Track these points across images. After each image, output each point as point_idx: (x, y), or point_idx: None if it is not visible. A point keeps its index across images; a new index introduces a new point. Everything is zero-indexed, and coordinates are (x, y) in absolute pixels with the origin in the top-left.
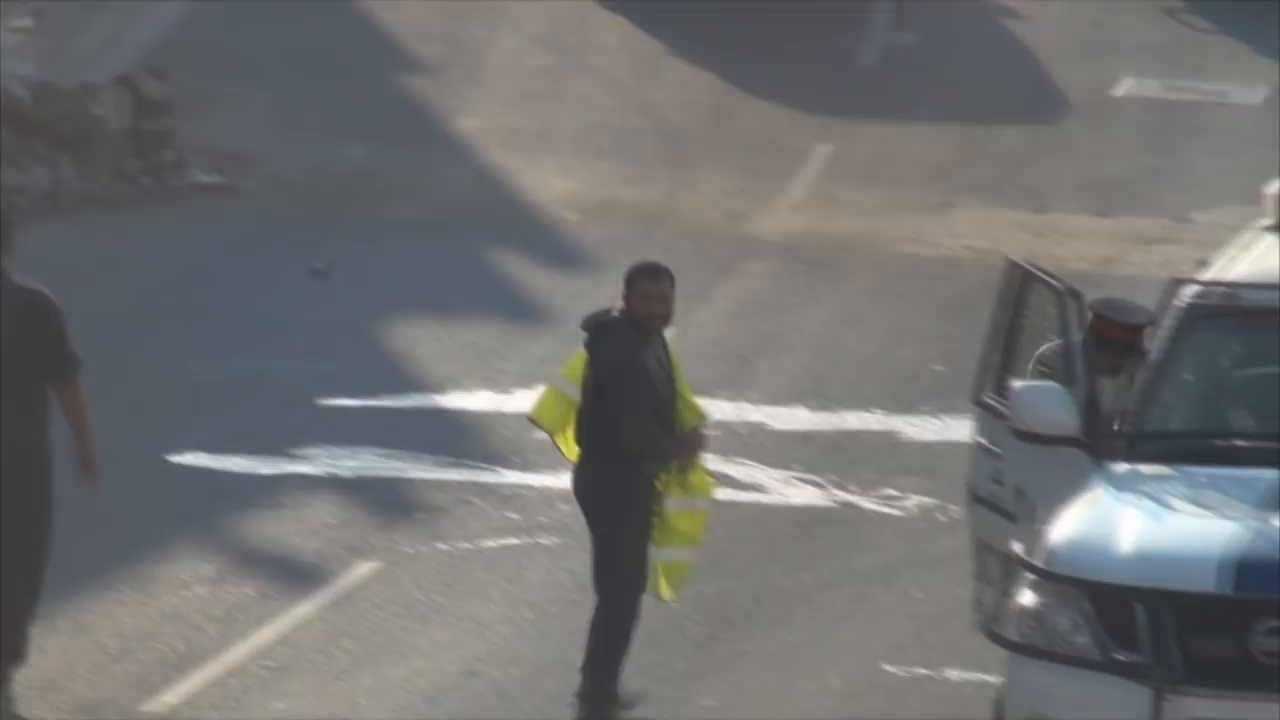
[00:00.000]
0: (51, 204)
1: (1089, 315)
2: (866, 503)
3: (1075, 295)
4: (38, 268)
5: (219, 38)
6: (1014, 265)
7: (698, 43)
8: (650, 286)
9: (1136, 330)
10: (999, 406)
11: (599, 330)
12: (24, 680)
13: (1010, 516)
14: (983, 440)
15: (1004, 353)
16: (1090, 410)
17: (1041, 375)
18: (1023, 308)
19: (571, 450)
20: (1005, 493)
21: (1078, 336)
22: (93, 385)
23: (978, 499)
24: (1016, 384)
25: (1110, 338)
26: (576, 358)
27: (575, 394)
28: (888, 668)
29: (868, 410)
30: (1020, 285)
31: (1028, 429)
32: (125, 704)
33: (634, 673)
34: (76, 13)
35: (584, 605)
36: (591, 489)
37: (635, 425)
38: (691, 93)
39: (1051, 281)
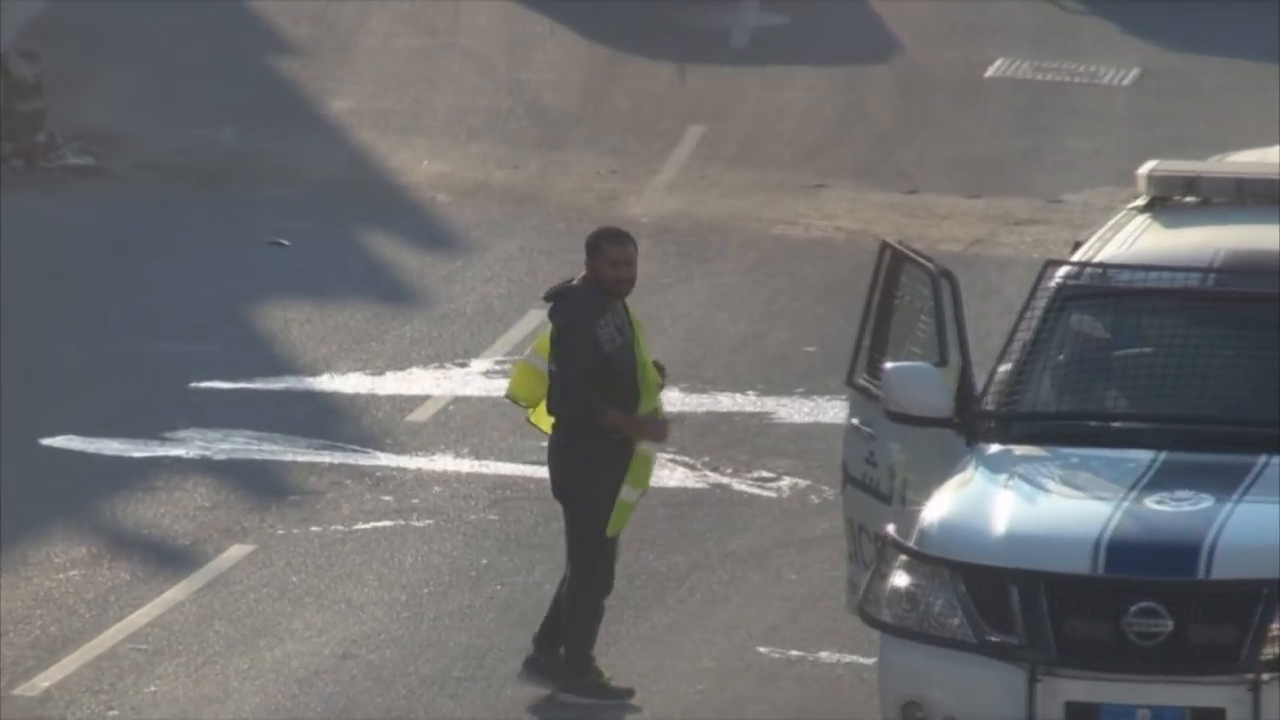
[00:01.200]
0: None
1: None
2: (740, 484)
3: (948, 275)
4: None
5: (90, 19)
6: (885, 246)
7: (570, 24)
8: (616, 251)
9: None
10: (872, 388)
11: (558, 297)
12: None
13: (884, 498)
14: (856, 421)
15: (876, 334)
16: (963, 391)
17: (915, 357)
18: (894, 289)
19: (545, 423)
20: (879, 474)
21: (950, 318)
22: None
23: (851, 480)
24: (889, 365)
25: None
26: (546, 332)
27: (544, 366)
28: (761, 649)
29: (741, 392)
30: (891, 266)
31: (900, 410)
32: None
33: (508, 655)
34: None
35: (456, 588)
36: (560, 458)
37: (566, 389)
38: (563, 74)
39: (924, 262)
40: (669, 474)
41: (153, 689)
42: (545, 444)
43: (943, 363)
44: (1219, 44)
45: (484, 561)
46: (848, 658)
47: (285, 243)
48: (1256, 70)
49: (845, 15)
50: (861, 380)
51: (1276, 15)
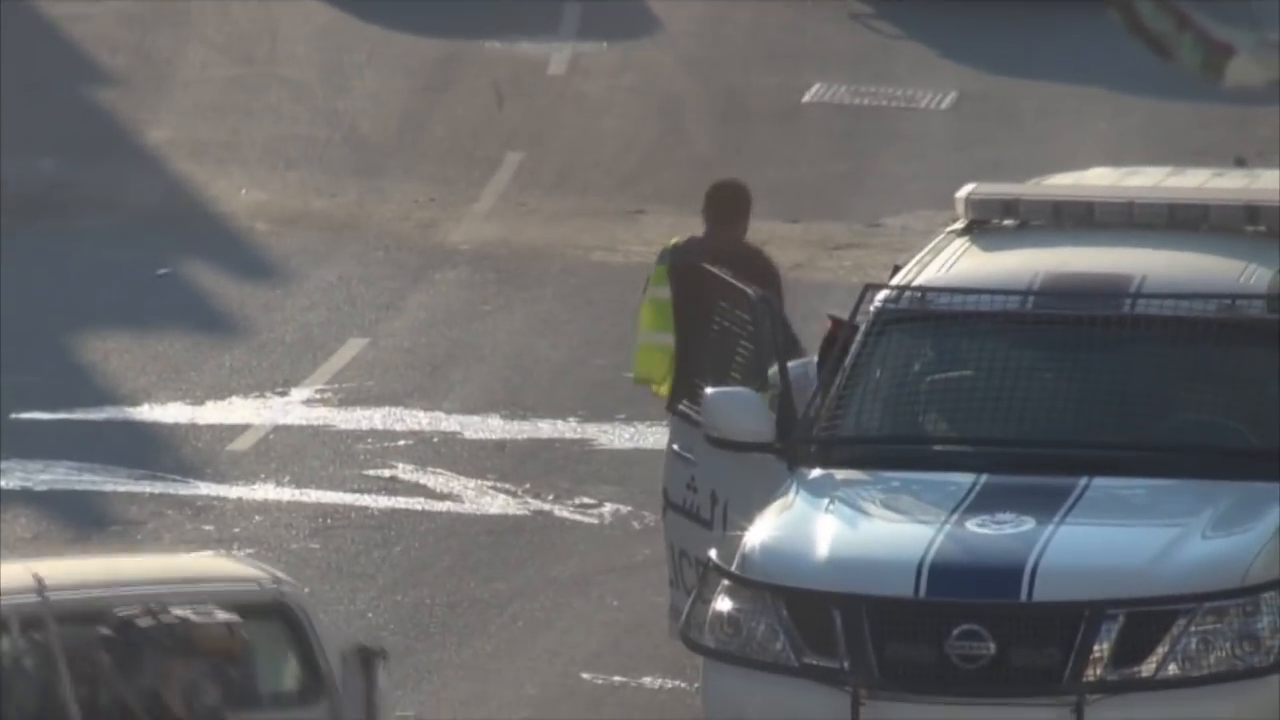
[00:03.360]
0: None
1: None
2: (561, 511)
3: (765, 299)
4: None
5: None
6: (702, 270)
7: (387, 51)
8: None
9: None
10: (692, 413)
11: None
12: None
13: (705, 523)
14: (676, 447)
15: (694, 359)
16: (783, 415)
17: (735, 382)
18: (711, 314)
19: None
20: (700, 499)
21: (768, 340)
22: None
23: (672, 506)
24: (709, 390)
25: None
26: (651, 305)
27: (663, 341)
28: (585, 676)
29: (562, 418)
30: (708, 292)
31: (721, 435)
32: None
33: None
34: None
35: None
36: None
37: None
38: (381, 102)
39: (741, 286)
40: (491, 500)
41: None
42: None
43: (762, 387)
44: (1036, 68)
45: (305, 590)
46: (671, 683)
47: (166, 270)
48: (1073, 94)
49: (663, 42)
50: (682, 406)
51: (1092, 39)
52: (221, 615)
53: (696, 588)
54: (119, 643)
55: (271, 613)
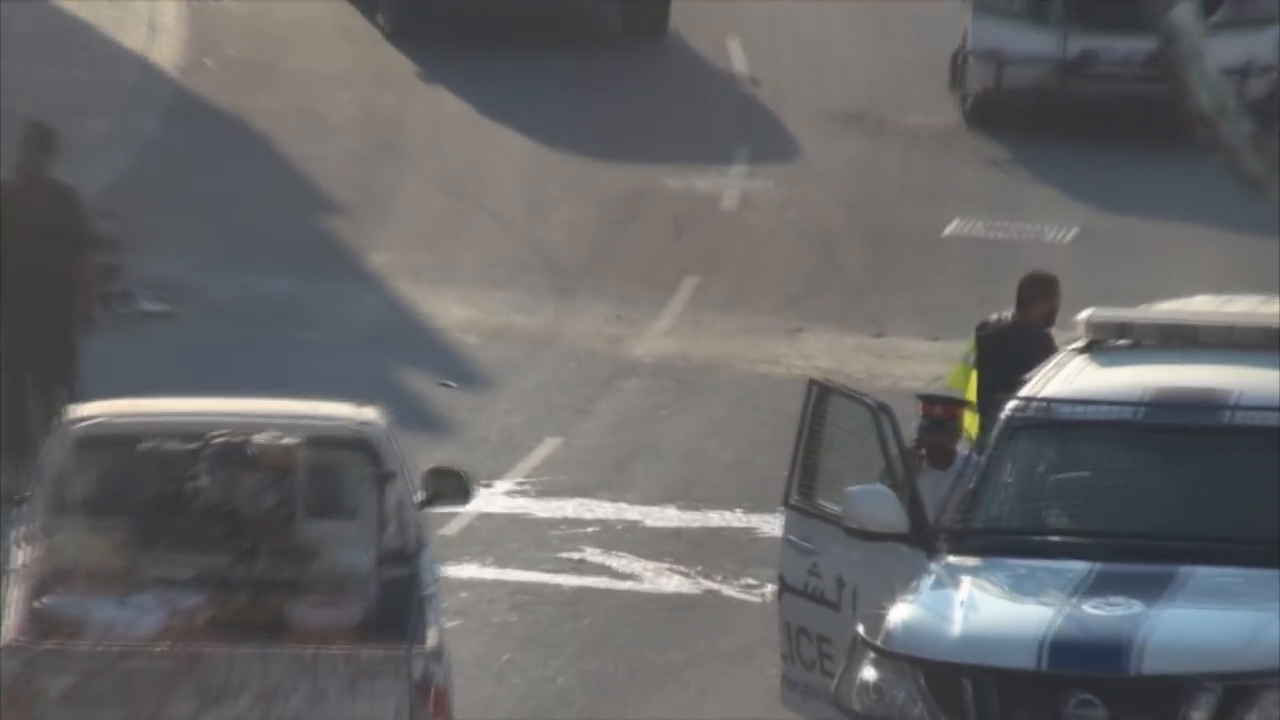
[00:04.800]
0: None
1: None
2: (728, 590)
3: (885, 409)
4: None
5: (163, 181)
6: (812, 383)
7: (580, 185)
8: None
9: (959, 405)
10: (808, 508)
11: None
12: None
13: (830, 604)
14: (794, 538)
15: (806, 463)
16: (915, 509)
17: (854, 481)
18: (822, 421)
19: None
20: (823, 584)
21: (894, 447)
22: None
23: (788, 589)
24: (850, 488)
25: (938, 417)
26: (961, 368)
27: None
28: None
29: (729, 509)
30: (818, 402)
31: (860, 527)
32: None
33: None
34: None
35: (480, 680)
36: None
37: None
38: (575, 230)
39: (860, 397)
40: (668, 580)
41: None
42: (562, 555)
43: (895, 486)
44: (1150, 206)
45: (505, 657)
46: None
47: (452, 385)
48: (1183, 229)
49: (818, 182)
50: (795, 501)
51: (1200, 180)
52: (286, 440)
53: (846, 659)
54: (206, 457)
55: (355, 445)
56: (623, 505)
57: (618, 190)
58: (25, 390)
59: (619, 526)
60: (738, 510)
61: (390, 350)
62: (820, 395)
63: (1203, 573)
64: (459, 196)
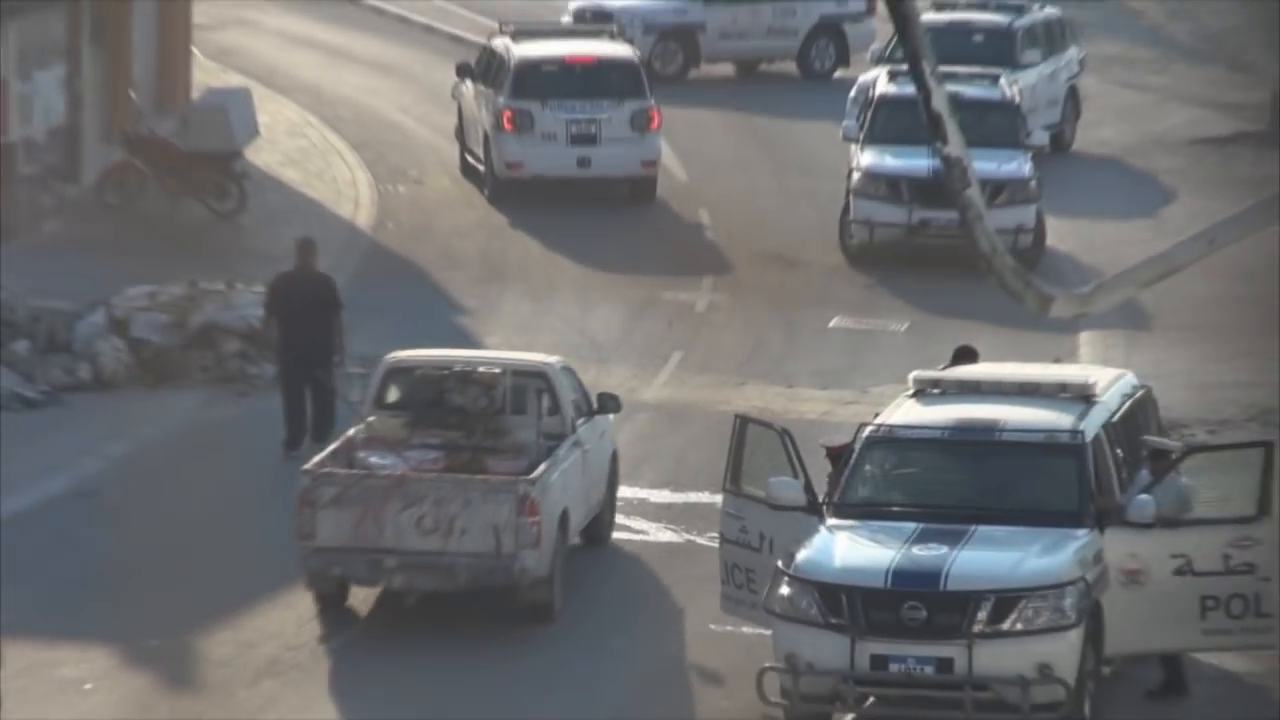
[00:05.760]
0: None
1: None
2: (700, 541)
3: (787, 432)
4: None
5: (363, 295)
6: (737, 417)
7: (610, 295)
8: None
9: (841, 447)
10: (738, 491)
11: None
12: None
13: (755, 550)
14: (729, 510)
15: (735, 466)
16: (809, 492)
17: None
18: (744, 440)
19: None
20: (749, 537)
21: (794, 454)
22: None
23: (726, 540)
24: (771, 479)
25: (836, 450)
26: None
27: None
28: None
29: (702, 492)
30: (742, 427)
31: (779, 503)
32: None
33: None
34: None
35: None
36: None
37: None
38: (608, 323)
39: (770, 425)
40: (662, 534)
41: None
42: None
43: (795, 477)
44: (957, 309)
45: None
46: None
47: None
48: (972, 323)
49: (755, 296)
50: (729, 487)
51: (989, 293)
52: (495, 370)
53: (770, 582)
54: (452, 377)
55: (535, 374)
56: (637, 489)
57: (633, 298)
58: (299, 395)
59: (635, 501)
60: (705, 493)
61: None
62: (743, 423)
63: (985, 530)
64: (537, 301)
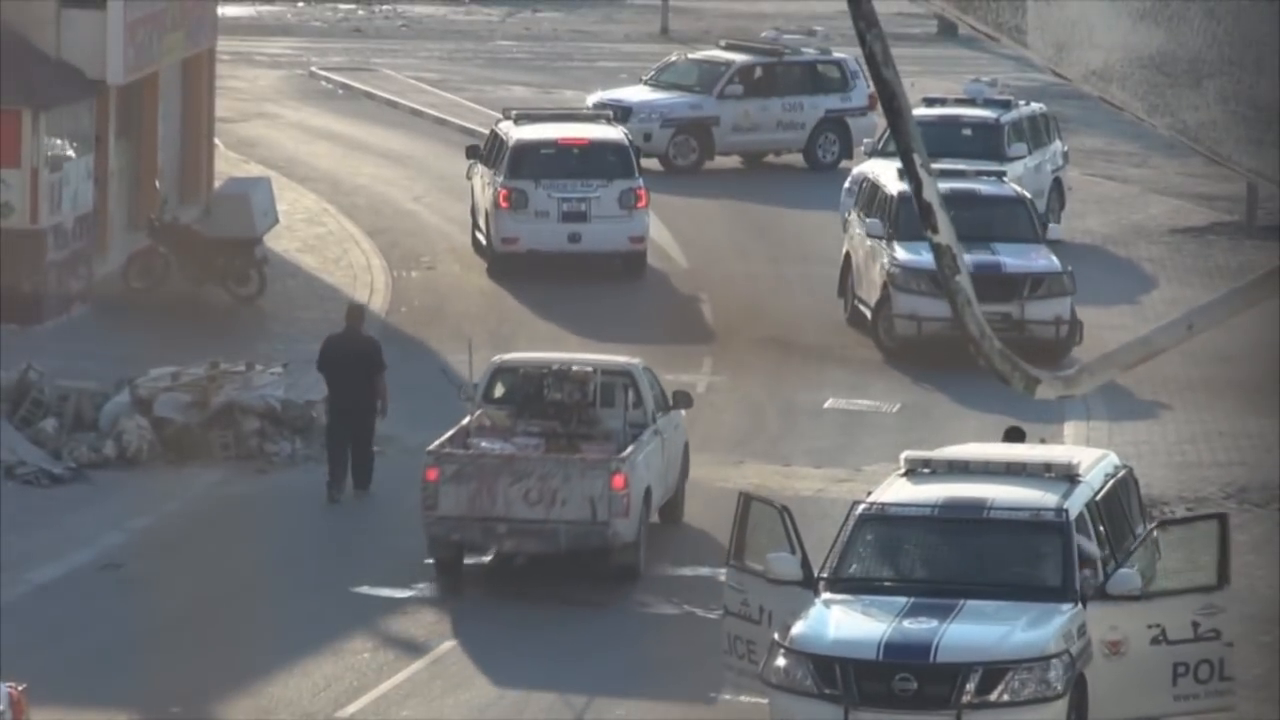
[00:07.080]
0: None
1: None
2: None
3: (787, 509)
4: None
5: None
6: (741, 494)
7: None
8: None
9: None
10: (742, 567)
11: None
12: None
13: (755, 622)
14: (733, 584)
15: (739, 541)
16: (806, 568)
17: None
18: (748, 517)
19: None
20: (751, 609)
21: (792, 531)
22: None
23: (729, 613)
24: (770, 554)
25: None
26: None
27: None
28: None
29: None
30: (745, 504)
31: (777, 578)
32: None
33: None
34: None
35: None
36: None
37: None
38: None
39: (771, 502)
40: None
41: None
42: None
43: (793, 553)
44: (943, 389)
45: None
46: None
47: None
48: (958, 404)
49: (752, 378)
50: (732, 562)
51: (975, 374)
52: (587, 368)
53: (767, 653)
54: (551, 374)
55: (621, 373)
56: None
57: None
58: (342, 446)
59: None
60: (704, 568)
61: None
62: (746, 500)
63: (973, 604)
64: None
